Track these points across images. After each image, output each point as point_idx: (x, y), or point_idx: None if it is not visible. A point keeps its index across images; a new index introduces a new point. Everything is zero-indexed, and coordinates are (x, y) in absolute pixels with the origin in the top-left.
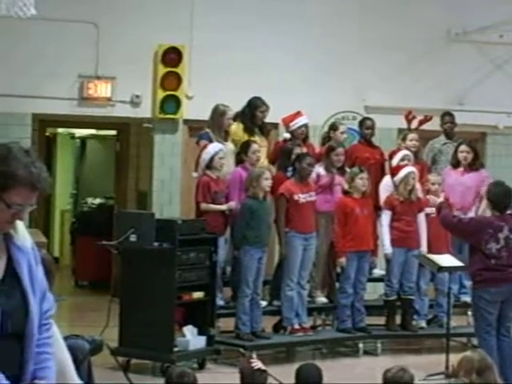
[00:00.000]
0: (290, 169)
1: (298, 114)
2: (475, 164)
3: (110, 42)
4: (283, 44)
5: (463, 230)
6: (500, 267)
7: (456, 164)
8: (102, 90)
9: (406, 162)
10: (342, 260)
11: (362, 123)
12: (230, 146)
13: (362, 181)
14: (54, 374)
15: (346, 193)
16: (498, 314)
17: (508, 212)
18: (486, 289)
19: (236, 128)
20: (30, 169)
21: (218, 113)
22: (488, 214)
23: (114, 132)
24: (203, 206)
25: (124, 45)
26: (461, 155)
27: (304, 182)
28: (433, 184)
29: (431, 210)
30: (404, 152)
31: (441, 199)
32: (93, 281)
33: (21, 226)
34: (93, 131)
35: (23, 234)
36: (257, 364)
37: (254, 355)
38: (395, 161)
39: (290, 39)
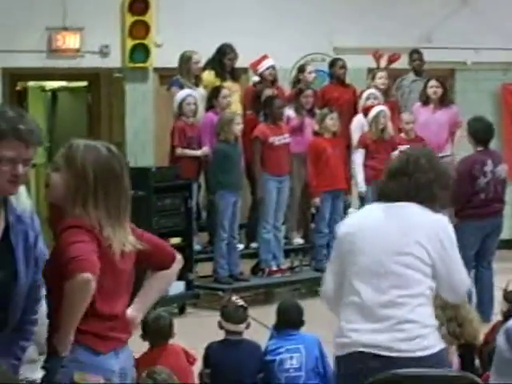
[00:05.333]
0: (262, 113)
1: (265, 57)
2: (445, 100)
3: None
4: None
5: (463, 191)
6: (486, 202)
7: (426, 100)
8: (71, 41)
9: (371, 100)
10: (317, 200)
11: (333, 64)
12: (201, 91)
13: (332, 121)
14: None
15: (316, 134)
16: (478, 248)
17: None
18: (469, 223)
19: (208, 75)
20: (16, 123)
21: (185, 59)
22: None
23: (84, 83)
24: (179, 150)
25: None
26: (430, 90)
27: (277, 124)
28: (407, 123)
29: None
30: (369, 91)
31: None
32: None
33: (23, 191)
34: (63, 83)
35: (24, 202)
36: (239, 301)
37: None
38: (362, 100)
39: None
